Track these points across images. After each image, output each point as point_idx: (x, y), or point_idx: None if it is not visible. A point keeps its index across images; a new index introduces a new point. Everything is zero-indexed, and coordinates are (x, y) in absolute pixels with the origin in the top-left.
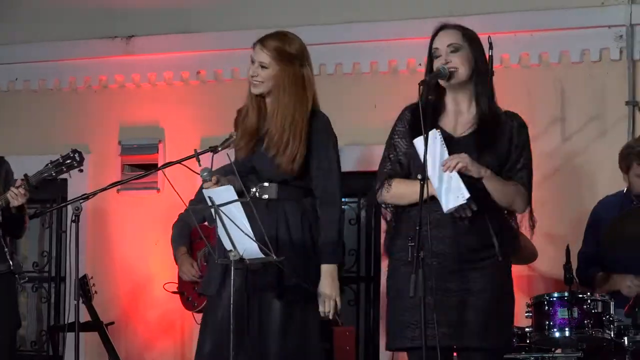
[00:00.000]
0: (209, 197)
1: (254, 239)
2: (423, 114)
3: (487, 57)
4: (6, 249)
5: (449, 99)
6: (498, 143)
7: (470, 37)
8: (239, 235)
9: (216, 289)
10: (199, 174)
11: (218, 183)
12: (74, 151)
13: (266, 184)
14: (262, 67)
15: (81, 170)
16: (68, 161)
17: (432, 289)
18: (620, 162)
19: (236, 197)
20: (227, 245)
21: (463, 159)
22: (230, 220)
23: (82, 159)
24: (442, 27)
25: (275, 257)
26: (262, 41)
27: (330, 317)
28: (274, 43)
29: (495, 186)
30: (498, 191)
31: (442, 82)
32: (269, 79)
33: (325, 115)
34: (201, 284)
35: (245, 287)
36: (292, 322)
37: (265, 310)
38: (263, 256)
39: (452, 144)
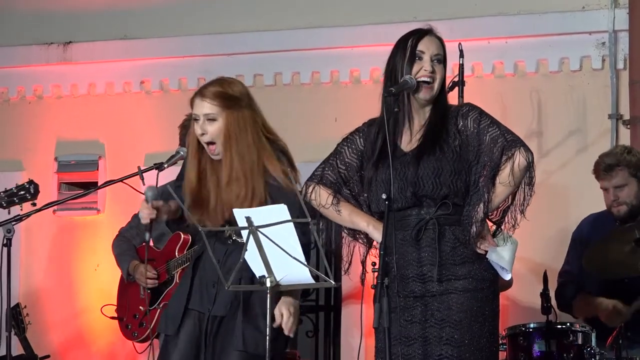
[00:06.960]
0: (247, 217)
1: (306, 263)
2: (387, 127)
3: (458, 65)
4: None
5: (405, 112)
6: (445, 145)
7: (445, 53)
8: (278, 259)
9: (175, 328)
10: (142, 194)
11: (158, 212)
12: (30, 182)
13: None
14: (210, 119)
15: (34, 204)
16: (22, 192)
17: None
18: None
19: (289, 217)
20: (259, 271)
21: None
22: (275, 243)
23: (37, 191)
24: (429, 32)
25: (334, 283)
26: (200, 93)
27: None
28: (214, 89)
29: (503, 196)
30: (506, 193)
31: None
32: (219, 132)
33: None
34: (159, 322)
35: (200, 335)
36: None
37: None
38: (313, 282)
39: (399, 159)
